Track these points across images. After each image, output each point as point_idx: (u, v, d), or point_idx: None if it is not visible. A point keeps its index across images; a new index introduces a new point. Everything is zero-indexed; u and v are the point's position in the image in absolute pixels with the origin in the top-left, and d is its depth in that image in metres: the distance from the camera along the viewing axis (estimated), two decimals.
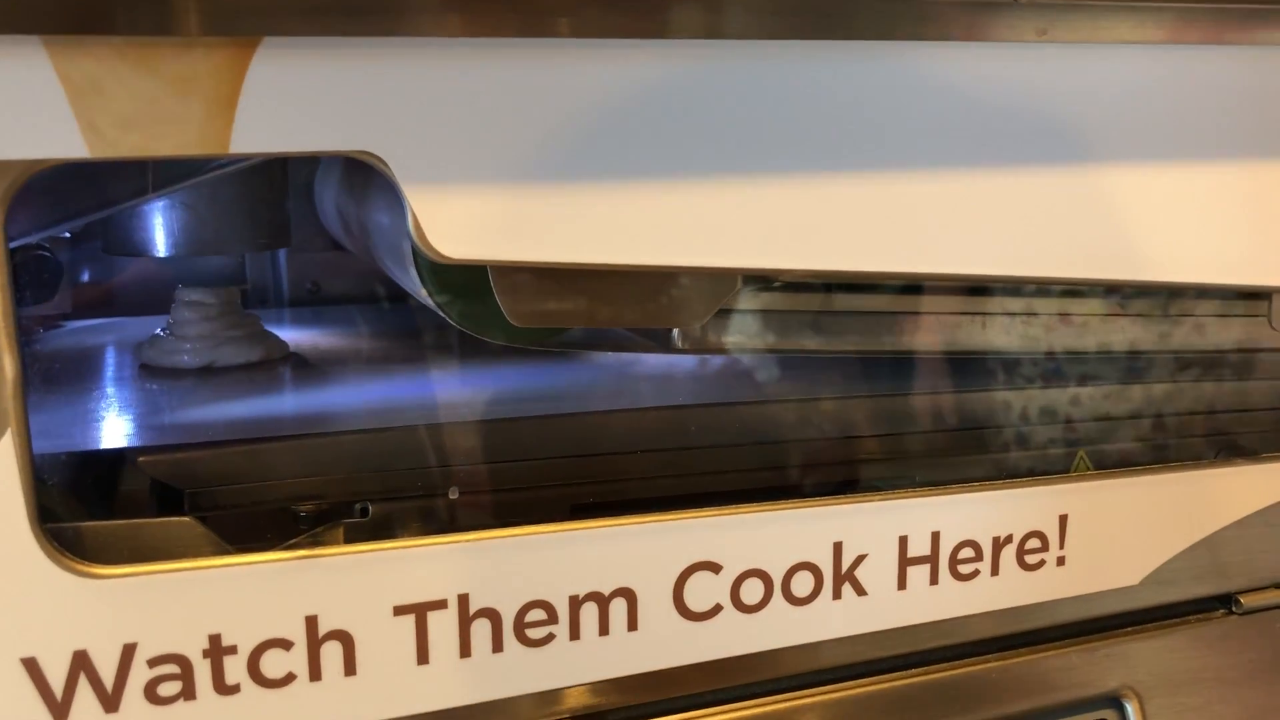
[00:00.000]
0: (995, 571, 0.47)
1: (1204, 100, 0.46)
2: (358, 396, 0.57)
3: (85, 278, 0.73)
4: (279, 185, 0.61)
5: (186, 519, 0.41)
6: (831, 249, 0.42)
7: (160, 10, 0.33)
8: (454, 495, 0.46)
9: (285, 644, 0.37)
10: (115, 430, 0.49)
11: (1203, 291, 0.55)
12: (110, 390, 0.55)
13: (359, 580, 0.38)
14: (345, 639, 0.38)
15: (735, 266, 0.42)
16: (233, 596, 0.37)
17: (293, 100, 0.35)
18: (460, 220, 0.37)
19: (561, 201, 0.39)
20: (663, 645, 0.42)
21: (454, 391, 0.58)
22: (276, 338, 0.62)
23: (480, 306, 0.46)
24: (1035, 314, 0.54)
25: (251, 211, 0.58)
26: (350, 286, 0.79)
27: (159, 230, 0.56)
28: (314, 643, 0.38)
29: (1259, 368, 0.58)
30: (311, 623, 0.38)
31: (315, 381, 0.58)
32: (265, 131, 0.35)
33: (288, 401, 0.56)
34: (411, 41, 0.35)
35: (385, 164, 0.36)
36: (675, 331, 0.50)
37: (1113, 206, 0.46)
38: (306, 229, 0.69)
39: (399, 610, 0.39)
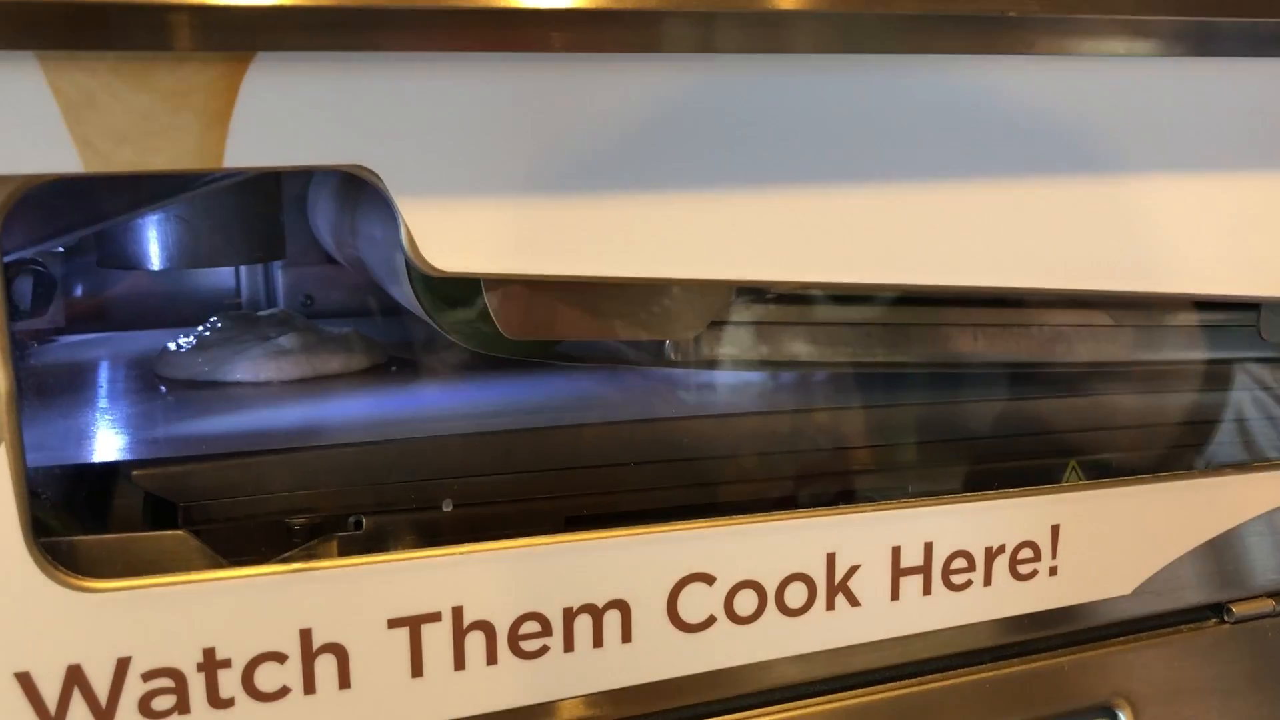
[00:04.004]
0: (988, 581, 0.47)
1: (1195, 113, 0.46)
2: (356, 409, 0.56)
3: (79, 292, 0.73)
4: (273, 198, 0.61)
5: (180, 533, 0.41)
6: (826, 261, 0.42)
7: (154, 26, 0.33)
8: (447, 508, 0.46)
9: (279, 657, 0.37)
10: (110, 444, 0.49)
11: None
12: (108, 404, 0.55)
13: (353, 593, 0.38)
14: (339, 652, 0.38)
15: (729, 279, 0.42)
16: (227, 610, 0.37)
17: (286, 114, 0.35)
18: (453, 233, 0.37)
19: (554, 214, 0.39)
20: (657, 657, 0.42)
21: (446, 403, 0.57)
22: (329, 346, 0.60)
23: (473, 319, 0.46)
24: (1025, 325, 0.54)
25: (245, 225, 0.59)
26: (345, 299, 0.79)
27: (153, 244, 0.56)
28: (308, 656, 0.38)
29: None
30: (306, 636, 0.38)
31: (308, 396, 0.58)
32: (259, 146, 0.35)
33: (284, 415, 0.55)
34: (404, 56, 0.36)
35: (378, 177, 0.36)
36: (668, 344, 0.50)
37: (1104, 218, 0.46)
38: (301, 242, 0.69)
39: (393, 623, 0.39)
